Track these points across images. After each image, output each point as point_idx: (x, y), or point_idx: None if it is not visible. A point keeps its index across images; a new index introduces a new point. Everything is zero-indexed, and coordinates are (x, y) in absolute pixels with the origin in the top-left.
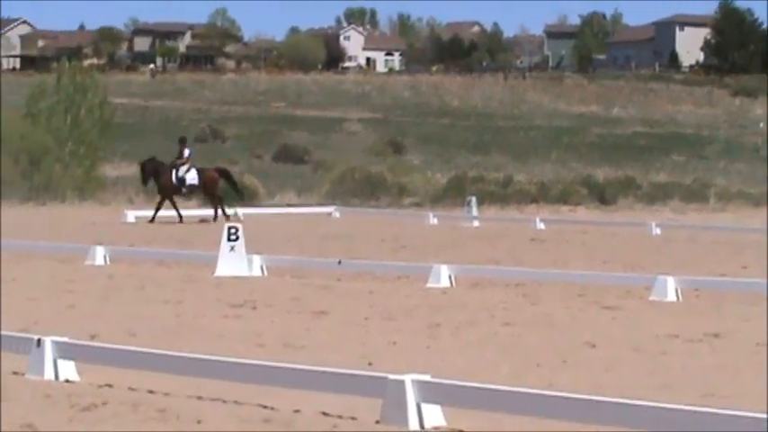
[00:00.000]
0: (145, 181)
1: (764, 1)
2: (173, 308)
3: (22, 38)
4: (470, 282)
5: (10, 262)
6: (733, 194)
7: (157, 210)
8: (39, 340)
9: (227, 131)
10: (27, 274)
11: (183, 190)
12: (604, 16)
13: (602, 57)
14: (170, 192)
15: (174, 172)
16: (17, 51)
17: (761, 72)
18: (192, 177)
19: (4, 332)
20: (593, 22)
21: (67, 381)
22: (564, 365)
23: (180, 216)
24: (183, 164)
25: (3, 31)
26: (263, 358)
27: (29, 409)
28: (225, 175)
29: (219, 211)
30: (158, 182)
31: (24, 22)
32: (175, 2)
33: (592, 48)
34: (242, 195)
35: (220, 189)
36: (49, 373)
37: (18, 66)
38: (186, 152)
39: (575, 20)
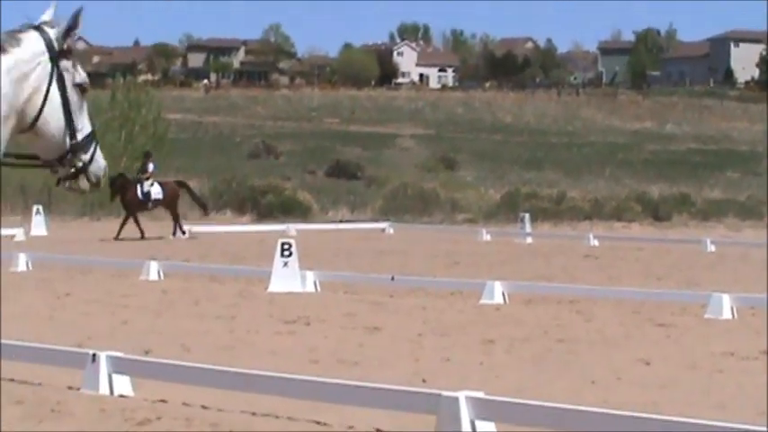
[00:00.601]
0: (113, 197)
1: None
2: (226, 323)
3: (78, 54)
4: (524, 298)
5: (65, 277)
6: None
7: (122, 226)
8: (94, 355)
9: (281, 147)
10: (82, 289)
11: (149, 205)
12: (659, 32)
13: (656, 73)
14: (136, 207)
15: (139, 187)
16: None
17: None
18: (156, 192)
19: (59, 347)
20: (647, 38)
21: (122, 396)
22: (618, 383)
23: (142, 233)
24: (148, 178)
25: None
26: (316, 374)
27: (84, 423)
28: (184, 186)
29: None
30: (124, 198)
31: (79, 38)
32: (230, 18)
33: (646, 64)
34: (205, 208)
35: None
36: (103, 388)
37: None
38: (150, 167)
39: (629, 36)
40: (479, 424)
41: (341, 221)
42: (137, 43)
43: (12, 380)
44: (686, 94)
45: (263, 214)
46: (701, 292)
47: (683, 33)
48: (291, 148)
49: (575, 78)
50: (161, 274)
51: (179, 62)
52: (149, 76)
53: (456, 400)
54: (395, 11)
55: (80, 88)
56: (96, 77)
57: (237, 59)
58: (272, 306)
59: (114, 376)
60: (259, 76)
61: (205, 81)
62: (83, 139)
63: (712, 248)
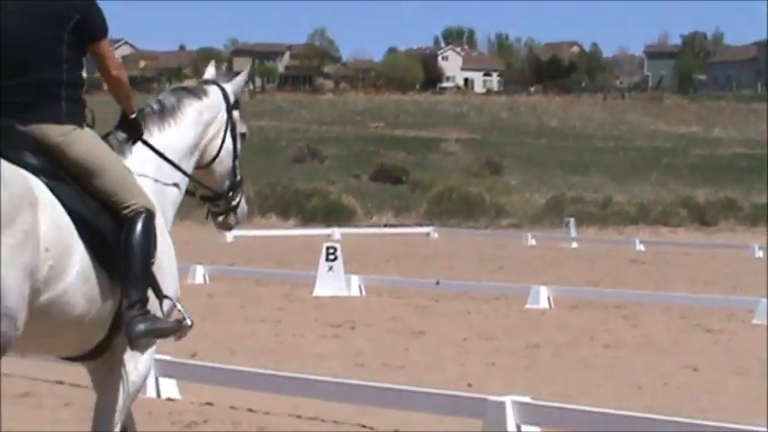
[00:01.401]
0: None
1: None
2: (272, 327)
3: (124, 58)
4: (569, 303)
5: None
6: None
7: None
8: None
9: (326, 151)
10: None
11: None
12: (705, 36)
13: (702, 77)
14: None
15: None
16: None
17: None
18: None
19: None
20: (694, 42)
21: (169, 399)
22: (665, 388)
23: None
24: None
25: None
26: (361, 378)
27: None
28: None
29: None
30: None
31: (126, 42)
32: (275, 22)
33: (692, 68)
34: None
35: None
36: (151, 391)
37: None
38: None
39: (675, 40)
40: (525, 428)
41: (385, 226)
42: (182, 48)
43: (60, 382)
44: (733, 99)
45: (308, 218)
46: (749, 297)
47: (730, 37)
48: (336, 152)
49: (620, 82)
50: (207, 277)
51: (224, 66)
52: (195, 81)
53: (502, 404)
54: (440, 15)
55: (242, 137)
56: (143, 82)
57: (282, 64)
58: (317, 310)
59: (161, 379)
60: (304, 81)
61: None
62: (239, 182)
63: (760, 254)
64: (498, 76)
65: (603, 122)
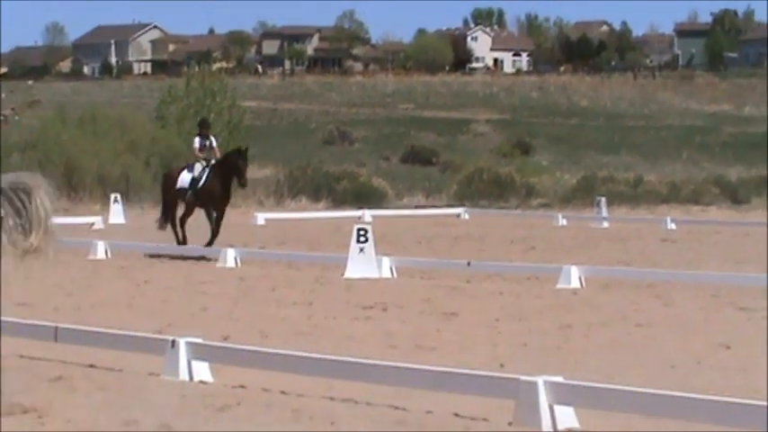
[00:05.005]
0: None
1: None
2: (304, 309)
3: (153, 42)
4: (601, 283)
5: (143, 264)
6: None
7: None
8: (173, 341)
9: (355, 133)
10: (161, 276)
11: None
12: (736, 13)
13: (733, 55)
14: None
15: None
16: (148, 56)
17: None
18: None
19: (139, 333)
20: (724, 20)
21: (202, 382)
22: (698, 367)
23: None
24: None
25: (134, 37)
26: (394, 359)
27: (165, 409)
28: None
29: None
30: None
31: (155, 26)
32: (303, 4)
33: (723, 45)
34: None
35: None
36: (183, 374)
37: (149, 70)
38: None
39: (705, 18)
40: (558, 409)
41: (416, 207)
42: (212, 31)
43: (94, 366)
44: (765, 76)
45: (339, 201)
46: None
47: (760, 14)
48: (366, 134)
49: (651, 61)
50: (238, 261)
51: (254, 49)
52: (224, 64)
53: (535, 384)
54: None
55: None
56: (172, 65)
57: (312, 46)
58: (348, 292)
59: (194, 362)
60: (333, 63)
61: (258, 67)
62: None
63: None
64: (528, 56)
65: (634, 101)
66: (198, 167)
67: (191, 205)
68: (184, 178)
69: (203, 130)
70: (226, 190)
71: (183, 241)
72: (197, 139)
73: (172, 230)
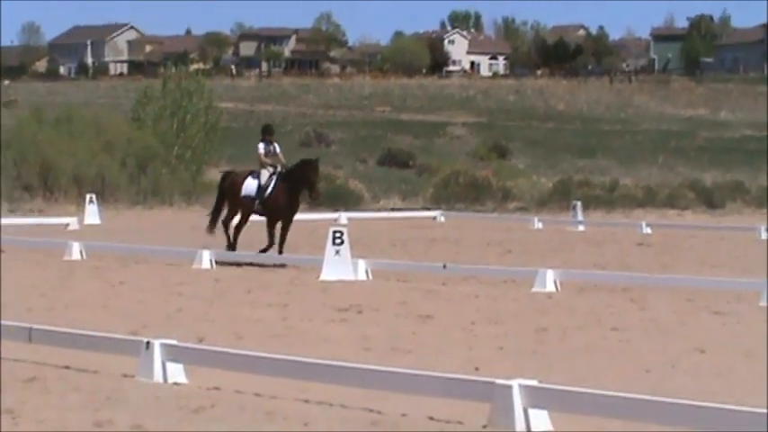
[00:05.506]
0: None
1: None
2: (279, 311)
3: (130, 43)
4: (576, 286)
5: (118, 265)
6: None
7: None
8: (148, 343)
9: (332, 136)
10: (135, 277)
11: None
12: (712, 18)
13: (709, 59)
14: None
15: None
16: (125, 56)
17: None
18: None
19: (114, 335)
20: (701, 25)
21: (176, 383)
22: (673, 371)
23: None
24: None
25: (111, 37)
26: (369, 362)
27: (138, 410)
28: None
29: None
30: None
31: (132, 27)
32: (281, 6)
33: (700, 50)
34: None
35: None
36: (158, 376)
37: (125, 71)
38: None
39: (682, 22)
40: (533, 412)
41: (392, 210)
42: (189, 32)
43: (68, 367)
44: (740, 81)
45: (314, 203)
46: (756, 279)
47: (737, 19)
48: (343, 136)
49: (627, 66)
50: (213, 262)
51: (231, 51)
52: (201, 65)
53: (509, 388)
54: None
55: None
56: (149, 66)
57: (289, 48)
58: (324, 294)
59: (168, 364)
60: (310, 65)
61: (233, 67)
62: None
63: (766, 236)
64: (505, 59)
65: (610, 105)
66: (265, 175)
67: (253, 213)
68: (250, 186)
69: (267, 135)
70: (294, 200)
71: (232, 247)
72: (261, 145)
73: (224, 233)
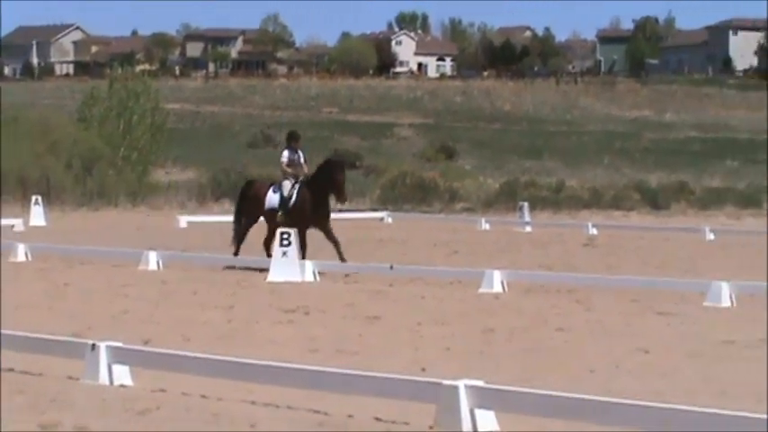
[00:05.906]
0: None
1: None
2: (225, 313)
3: (76, 44)
4: (523, 287)
5: (64, 267)
6: None
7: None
8: (93, 345)
9: (279, 137)
10: (81, 279)
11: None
12: (657, 20)
13: (654, 61)
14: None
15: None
16: (70, 57)
17: None
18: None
19: (58, 337)
20: (646, 27)
21: (122, 385)
22: (618, 371)
23: None
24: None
25: (56, 38)
26: (315, 363)
27: (84, 413)
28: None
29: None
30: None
31: (77, 28)
32: (227, 7)
33: (645, 52)
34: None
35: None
36: (103, 378)
37: (71, 71)
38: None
39: (628, 24)
40: (479, 412)
41: (339, 211)
42: (135, 33)
43: (12, 370)
44: (685, 83)
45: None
46: (701, 280)
47: (681, 21)
48: None
49: (573, 67)
50: (160, 264)
51: (177, 52)
52: (147, 66)
53: (456, 388)
54: (393, 0)
55: None
56: (95, 67)
57: (235, 49)
58: (271, 296)
59: (114, 366)
60: (257, 66)
61: (178, 69)
62: None
63: (711, 237)
64: (452, 60)
65: (556, 107)
66: (287, 185)
67: (278, 226)
68: (272, 199)
69: (293, 142)
70: (321, 206)
71: (269, 255)
72: (286, 153)
73: (235, 243)
